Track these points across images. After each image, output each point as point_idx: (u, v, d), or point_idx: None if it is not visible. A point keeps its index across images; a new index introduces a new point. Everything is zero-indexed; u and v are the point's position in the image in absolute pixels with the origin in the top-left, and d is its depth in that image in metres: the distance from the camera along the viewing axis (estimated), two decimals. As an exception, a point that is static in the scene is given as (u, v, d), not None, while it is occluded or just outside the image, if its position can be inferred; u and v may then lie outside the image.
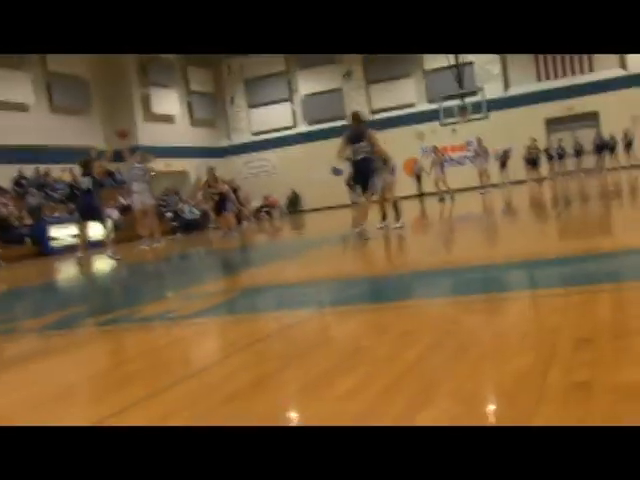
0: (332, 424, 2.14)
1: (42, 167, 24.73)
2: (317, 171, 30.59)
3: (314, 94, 33.61)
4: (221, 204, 17.03)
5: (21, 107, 25.54)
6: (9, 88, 24.86)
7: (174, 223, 26.03)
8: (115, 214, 23.41)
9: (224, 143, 35.21)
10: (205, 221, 25.72)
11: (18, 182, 23.87)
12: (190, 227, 26.26)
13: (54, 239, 21.25)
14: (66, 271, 13.64)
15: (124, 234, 20.55)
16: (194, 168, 30.84)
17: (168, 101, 31.77)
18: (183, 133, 32.47)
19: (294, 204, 33.91)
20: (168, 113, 31.72)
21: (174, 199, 28.72)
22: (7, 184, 23.45)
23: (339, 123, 29.37)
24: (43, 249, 20.85)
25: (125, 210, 23.40)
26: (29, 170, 24.35)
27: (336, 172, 12.75)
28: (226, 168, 31.33)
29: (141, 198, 15.44)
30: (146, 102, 30.59)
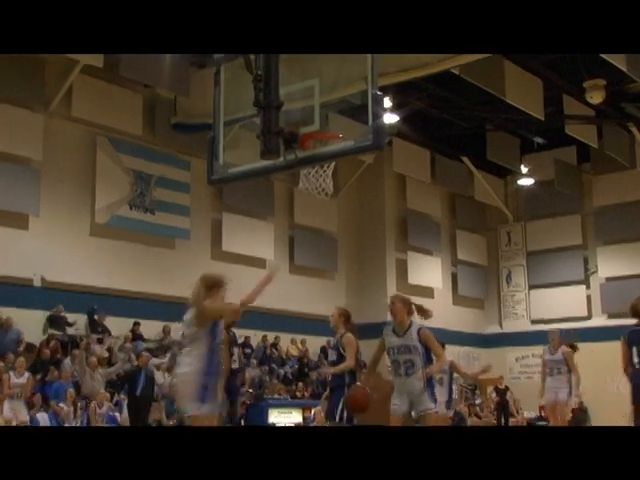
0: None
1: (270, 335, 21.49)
2: (616, 381, 21.95)
3: (617, 278, 26.15)
4: None
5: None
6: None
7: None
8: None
9: (493, 330, 28.60)
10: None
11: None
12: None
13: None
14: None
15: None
16: (454, 357, 24.06)
17: (428, 270, 25.96)
18: (442, 312, 25.25)
19: (579, 422, 24.65)
20: (427, 285, 25.69)
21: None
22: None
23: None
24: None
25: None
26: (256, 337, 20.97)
27: None
28: (493, 362, 23.96)
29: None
30: (402, 270, 25.00)
